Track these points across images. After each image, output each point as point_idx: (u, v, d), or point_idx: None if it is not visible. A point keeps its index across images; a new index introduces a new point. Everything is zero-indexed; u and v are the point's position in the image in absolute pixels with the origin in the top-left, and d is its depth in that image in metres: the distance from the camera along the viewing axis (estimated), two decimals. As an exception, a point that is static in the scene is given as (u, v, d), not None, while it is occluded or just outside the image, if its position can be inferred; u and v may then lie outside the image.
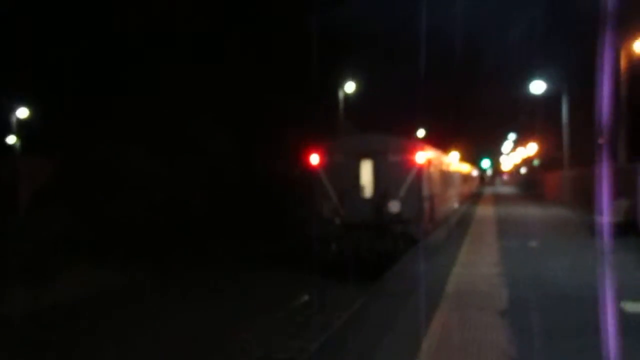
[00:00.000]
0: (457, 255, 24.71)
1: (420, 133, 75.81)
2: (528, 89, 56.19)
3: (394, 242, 30.44)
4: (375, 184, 30.62)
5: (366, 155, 30.85)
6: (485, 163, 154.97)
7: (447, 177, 43.36)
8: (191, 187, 42.44)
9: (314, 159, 31.32)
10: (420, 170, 31.09)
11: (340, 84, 50.55)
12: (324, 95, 47.97)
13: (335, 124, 48.34)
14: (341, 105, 50.31)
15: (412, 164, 30.71)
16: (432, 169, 34.97)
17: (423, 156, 31.77)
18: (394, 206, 30.72)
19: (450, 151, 62.00)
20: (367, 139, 31.57)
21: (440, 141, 56.80)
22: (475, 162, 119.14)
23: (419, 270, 21.49)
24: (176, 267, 31.81)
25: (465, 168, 72.66)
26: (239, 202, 45.47)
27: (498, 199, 74.65)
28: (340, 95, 50.61)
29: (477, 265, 22.07)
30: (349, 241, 30.04)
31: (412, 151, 31.06)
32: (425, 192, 31.99)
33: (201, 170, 42.95)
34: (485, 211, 50.03)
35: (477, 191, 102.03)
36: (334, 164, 31.15)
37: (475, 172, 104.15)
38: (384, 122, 46.88)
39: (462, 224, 38.60)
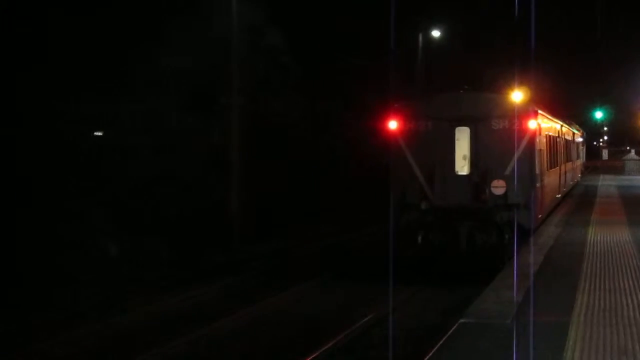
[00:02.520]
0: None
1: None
2: None
3: (499, 233, 23.37)
4: (474, 158, 24.07)
5: (461, 121, 24.18)
6: (599, 114, 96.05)
7: (561, 149, 35.53)
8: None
9: (392, 125, 24.29)
10: (532, 140, 24.45)
11: (422, 26, 41.75)
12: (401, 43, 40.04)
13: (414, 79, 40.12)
14: (420, 55, 41.37)
15: (523, 132, 24.14)
16: (545, 140, 27.55)
17: (536, 122, 24.45)
18: (499, 187, 23.51)
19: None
20: (463, 99, 24.70)
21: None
22: (577, 115, 75.96)
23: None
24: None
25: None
26: (316, 180, 38.75)
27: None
28: (421, 40, 41.92)
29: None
30: (440, 232, 23.79)
31: (523, 115, 24.31)
32: (539, 169, 25.42)
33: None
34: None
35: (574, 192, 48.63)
36: (418, 132, 24.52)
37: (579, 138, 56.71)
38: (474, 77, 37.86)
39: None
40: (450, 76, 40.40)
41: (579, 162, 58.33)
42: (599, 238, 24.17)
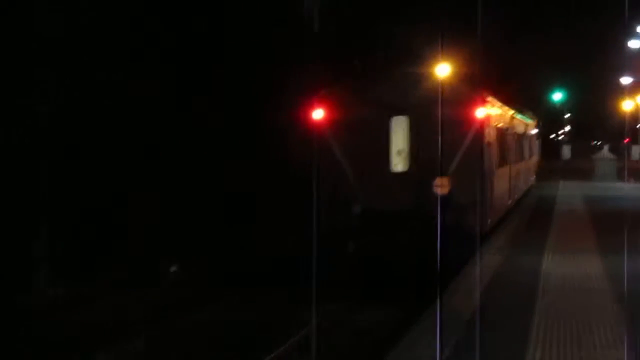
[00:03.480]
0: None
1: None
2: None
3: (443, 239, 19.68)
4: (414, 152, 20.93)
5: (399, 108, 20.88)
6: (557, 96, 77.95)
7: (512, 143, 31.23)
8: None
9: (318, 114, 20.66)
10: (481, 132, 21.45)
11: None
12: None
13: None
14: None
15: (470, 122, 21.11)
16: (495, 132, 24.10)
17: (485, 111, 21.10)
18: (442, 186, 20.02)
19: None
20: (400, 82, 20.88)
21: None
22: (532, 99, 60.26)
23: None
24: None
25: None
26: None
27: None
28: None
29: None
30: (374, 238, 20.66)
31: (470, 102, 21.28)
32: (488, 166, 22.46)
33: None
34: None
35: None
36: (349, 123, 21.16)
37: (532, 129, 45.44)
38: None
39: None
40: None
41: (533, 161, 45.71)
42: (557, 270, 18.31)
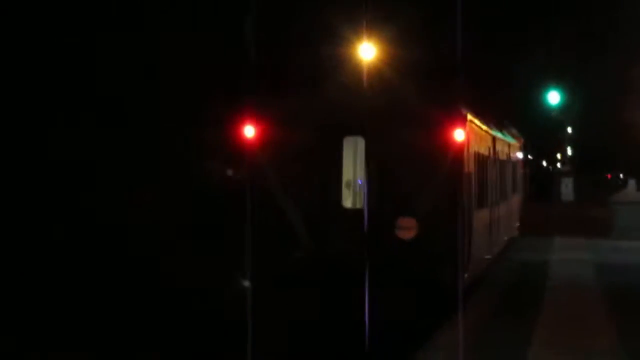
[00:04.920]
0: None
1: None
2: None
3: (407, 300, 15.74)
4: (372, 184, 16.45)
5: (351, 128, 16.50)
6: (554, 97, 50.86)
7: (493, 175, 25.38)
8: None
9: (249, 132, 16.21)
10: (459, 159, 16.99)
11: None
12: None
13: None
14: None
15: (446, 146, 16.75)
16: (475, 159, 19.35)
17: (465, 133, 16.98)
18: (407, 229, 15.33)
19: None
20: (355, 91, 16.57)
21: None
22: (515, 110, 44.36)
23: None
24: None
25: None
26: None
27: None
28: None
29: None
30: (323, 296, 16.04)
31: (446, 121, 16.75)
32: (468, 203, 17.74)
33: None
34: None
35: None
36: (288, 146, 16.82)
37: (516, 152, 32.71)
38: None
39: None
40: None
41: (517, 200, 32.96)
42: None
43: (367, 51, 18.57)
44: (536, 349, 13.05)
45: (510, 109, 40.37)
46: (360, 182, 16.25)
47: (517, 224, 32.64)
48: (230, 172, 22.92)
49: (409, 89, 17.30)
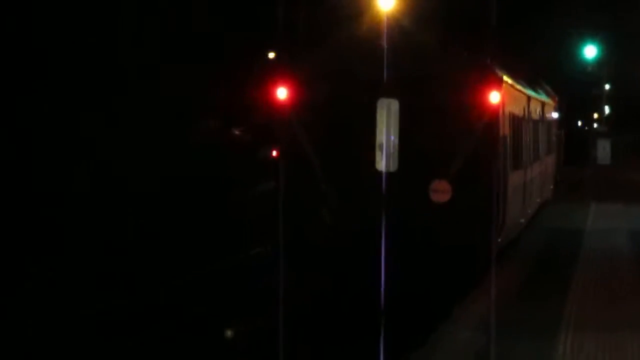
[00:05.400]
0: None
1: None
2: None
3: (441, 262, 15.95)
4: (406, 146, 16.00)
5: (386, 89, 15.88)
6: (590, 51, 49.97)
7: (528, 136, 24.69)
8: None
9: (282, 93, 15.94)
10: (495, 121, 16.63)
11: None
12: None
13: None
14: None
15: (482, 108, 16.31)
16: (510, 121, 19.10)
17: (500, 95, 16.53)
18: (442, 192, 16.00)
19: None
20: (390, 55, 16.12)
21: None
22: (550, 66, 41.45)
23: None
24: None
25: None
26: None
27: None
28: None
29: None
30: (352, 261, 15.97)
31: (481, 83, 16.30)
32: (504, 166, 17.59)
33: None
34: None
35: None
36: (320, 106, 16.46)
37: (551, 112, 31.55)
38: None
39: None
40: None
41: (551, 161, 31.69)
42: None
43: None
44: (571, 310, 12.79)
45: (544, 64, 38.71)
46: (393, 143, 15.94)
47: (552, 187, 32.03)
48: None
49: (444, 51, 17.03)
